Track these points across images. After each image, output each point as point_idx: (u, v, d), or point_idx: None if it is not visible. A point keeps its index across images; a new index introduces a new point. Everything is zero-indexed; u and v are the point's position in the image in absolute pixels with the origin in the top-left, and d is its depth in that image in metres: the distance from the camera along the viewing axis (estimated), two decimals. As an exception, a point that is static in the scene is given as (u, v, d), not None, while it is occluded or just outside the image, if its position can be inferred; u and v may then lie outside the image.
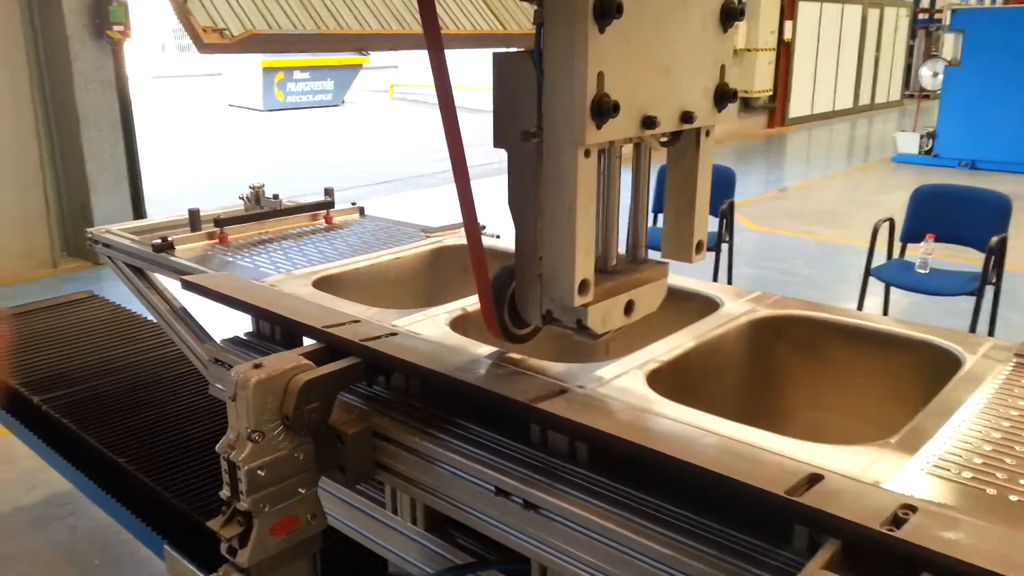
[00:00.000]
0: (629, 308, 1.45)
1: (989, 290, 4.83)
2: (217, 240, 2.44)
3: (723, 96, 1.41)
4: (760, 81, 18.24)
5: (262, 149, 15.61)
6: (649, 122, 1.29)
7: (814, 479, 1.10)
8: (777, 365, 1.81)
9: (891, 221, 5.30)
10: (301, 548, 1.61)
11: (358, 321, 1.74)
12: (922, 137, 14.43)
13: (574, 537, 1.30)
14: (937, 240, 5.16)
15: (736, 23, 1.40)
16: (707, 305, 1.87)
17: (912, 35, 23.83)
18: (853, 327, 1.76)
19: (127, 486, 2.50)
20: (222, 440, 1.53)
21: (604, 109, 1.21)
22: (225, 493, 1.53)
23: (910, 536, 0.97)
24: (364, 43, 2.72)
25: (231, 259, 2.30)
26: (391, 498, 1.75)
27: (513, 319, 1.52)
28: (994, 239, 4.73)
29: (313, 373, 1.52)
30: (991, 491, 1.12)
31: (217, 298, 1.94)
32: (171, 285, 2.48)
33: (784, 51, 18.83)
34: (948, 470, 1.18)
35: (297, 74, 20.63)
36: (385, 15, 2.57)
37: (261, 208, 2.56)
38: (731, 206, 5.93)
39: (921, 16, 24.16)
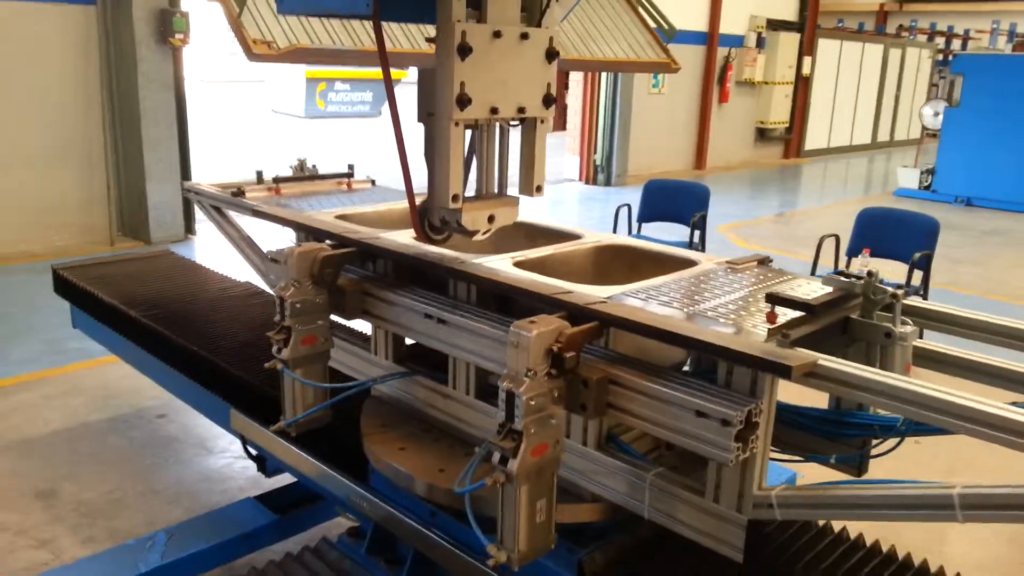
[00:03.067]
0: (491, 219, 2.40)
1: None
2: (274, 192, 3.62)
3: (548, 100, 2.34)
4: (776, 113, 18.86)
5: (299, 153, 16.74)
6: (494, 110, 2.16)
7: (568, 292, 2.23)
8: (609, 276, 2.91)
9: (836, 237, 6.20)
10: (318, 357, 2.75)
11: (358, 232, 2.89)
12: (922, 173, 14.99)
13: (466, 337, 2.42)
14: (874, 255, 6.01)
15: (555, 60, 2.29)
16: (573, 237, 2.99)
17: (940, 75, 24.24)
18: (653, 251, 2.87)
19: (202, 370, 3.44)
20: (276, 287, 2.68)
21: (464, 101, 2.08)
22: (276, 319, 2.67)
23: (599, 308, 2.09)
24: (395, 60, 3.10)
25: (283, 203, 3.46)
26: (373, 343, 2.88)
27: (431, 229, 2.47)
28: (916, 254, 5.65)
29: (329, 252, 2.66)
30: (665, 300, 2.23)
31: (276, 220, 3.11)
32: (239, 219, 3.66)
33: (802, 85, 19.39)
34: (646, 297, 2.29)
35: (338, 85, 21.75)
36: (414, 35, 3.02)
37: (304, 173, 3.76)
38: (702, 217, 6.93)
39: (949, 57, 24.72)
